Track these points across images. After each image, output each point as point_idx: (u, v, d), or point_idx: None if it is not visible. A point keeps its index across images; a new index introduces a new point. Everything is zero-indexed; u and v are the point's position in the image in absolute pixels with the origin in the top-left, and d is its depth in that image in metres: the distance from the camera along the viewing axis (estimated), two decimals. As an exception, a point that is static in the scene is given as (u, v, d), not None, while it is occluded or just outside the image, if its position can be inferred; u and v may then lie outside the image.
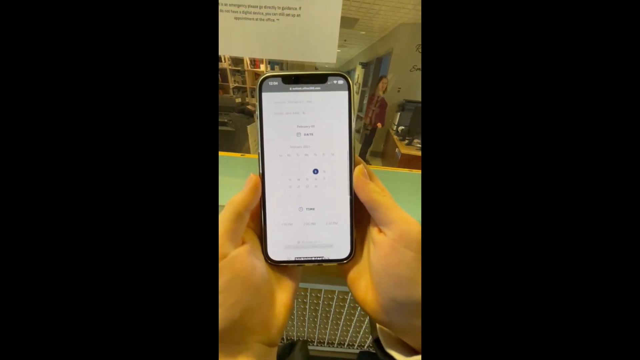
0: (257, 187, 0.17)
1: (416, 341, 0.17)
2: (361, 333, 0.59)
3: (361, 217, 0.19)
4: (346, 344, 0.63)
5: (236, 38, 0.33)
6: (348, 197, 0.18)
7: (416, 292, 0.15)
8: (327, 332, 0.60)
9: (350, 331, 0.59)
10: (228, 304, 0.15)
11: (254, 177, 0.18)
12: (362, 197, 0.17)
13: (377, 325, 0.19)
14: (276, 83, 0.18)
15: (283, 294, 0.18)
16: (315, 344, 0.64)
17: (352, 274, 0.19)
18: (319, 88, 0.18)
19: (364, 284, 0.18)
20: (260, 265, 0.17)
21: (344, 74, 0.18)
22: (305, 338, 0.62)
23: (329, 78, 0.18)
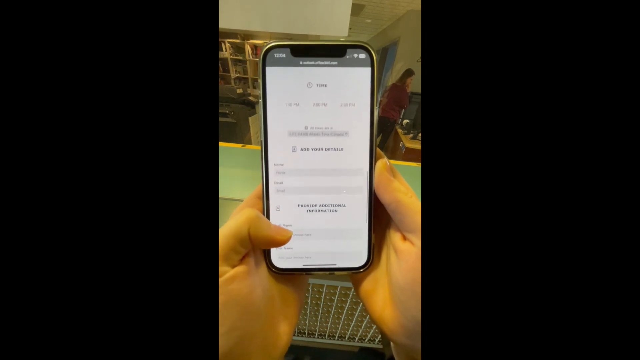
0: (279, 243, 0.15)
1: None
2: (362, 327, 0.60)
3: (379, 218, 0.16)
4: (347, 337, 0.63)
5: (233, 7, 0.30)
6: (367, 191, 0.16)
7: None
8: (329, 325, 0.60)
9: (352, 325, 0.59)
10: (223, 331, 0.13)
11: (287, 235, 0.15)
12: (385, 197, 0.15)
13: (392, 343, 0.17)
14: (283, 55, 0.15)
15: (287, 309, 0.16)
16: (316, 336, 0.64)
17: (367, 285, 0.16)
18: (336, 63, 0.15)
19: (380, 299, 0.16)
20: (261, 282, 0.15)
21: (367, 45, 0.15)
22: (306, 330, 0.63)
23: (349, 50, 0.15)
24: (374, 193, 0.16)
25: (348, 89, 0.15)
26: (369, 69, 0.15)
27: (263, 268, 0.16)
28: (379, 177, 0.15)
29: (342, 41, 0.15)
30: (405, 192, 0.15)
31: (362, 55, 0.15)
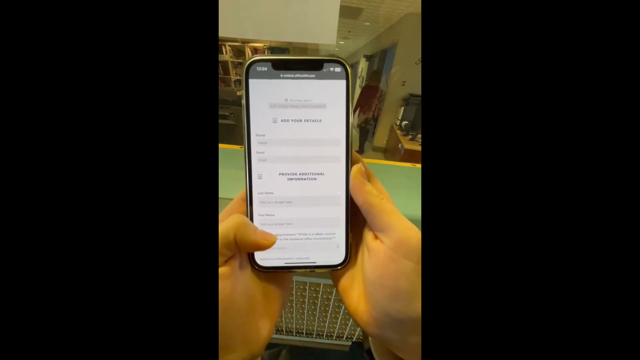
0: (262, 248, 0.16)
1: (412, 358, 0.16)
2: (359, 329, 0.60)
3: (357, 220, 0.17)
4: (345, 337, 0.64)
5: (228, 17, 0.32)
6: (344, 195, 0.17)
7: (414, 307, 0.14)
8: (326, 325, 0.61)
9: (349, 324, 0.59)
10: None
11: (272, 241, 0.16)
12: (358, 199, 0.16)
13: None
14: (265, 69, 0.16)
15: (269, 305, 0.17)
16: (314, 336, 0.65)
17: (344, 282, 0.18)
18: (314, 76, 0.16)
19: (356, 294, 0.17)
20: (243, 281, 0.16)
21: (342, 60, 0.16)
22: (304, 330, 0.63)
23: (325, 64, 0.16)
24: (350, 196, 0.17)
25: (324, 98, 0.16)
26: (344, 81, 0.16)
27: (244, 268, 0.17)
28: (354, 181, 0.16)
29: (319, 56, 0.16)
30: (377, 194, 0.16)
31: (338, 69, 0.16)
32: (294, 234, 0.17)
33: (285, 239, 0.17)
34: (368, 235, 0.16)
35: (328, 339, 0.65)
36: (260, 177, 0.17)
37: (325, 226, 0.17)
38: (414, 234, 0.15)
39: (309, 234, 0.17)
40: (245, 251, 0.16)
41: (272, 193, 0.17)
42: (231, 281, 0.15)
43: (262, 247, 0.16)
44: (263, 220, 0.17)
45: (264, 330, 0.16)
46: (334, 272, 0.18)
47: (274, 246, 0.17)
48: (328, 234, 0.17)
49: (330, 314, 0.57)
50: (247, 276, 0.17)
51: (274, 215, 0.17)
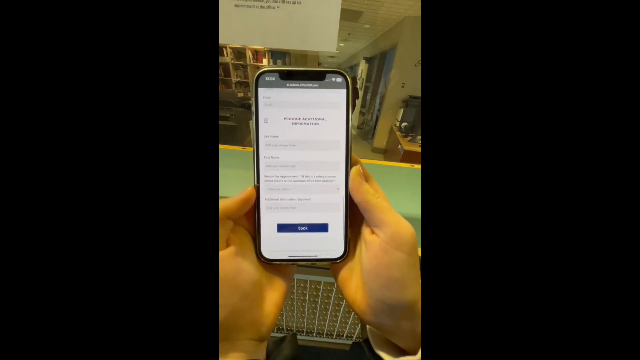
0: (248, 201, 0.17)
1: (405, 343, 0.17)
2: (359, 326, 0.60)
3: (355, 217, 0.19)
4: (345, 335, 0.64)
5: (235, 26, 0.34)
6: (343, 195, 0.18)
7: (406, 294, 0.16)
8: (326, 323, 0.61)
9: (349, 323, 0.60)
10: None
11: (248, 190, 0.17)
12: (356, 198, 0.17)
13: (367, 325, 0.19)
14: (273, 79, 0.18)
15: (274, 293, 0.18)
16: (314, 334, 0.65)
17: (343, 274, 0.19)
18: (317, 85, 0.18)
19: (354, 284, 0.18)
20: (248, 266, 0.17)
21: (343, 72, 0.18)
22: (305, 329, 0.63)
23: (328, 75, 0.18)
24: (349, 194, 0.18)
25: (326, 106, 0.18)
26: (344, 90, 0.18)
27: (249, 258, 0.18)
28: (352, 181, 0.18)
29: (322, 68, 0.18)
30: (373, 193, 0.17)
31: (339, 79, 0.18)
32: (297, 176, 0.19)
33: (289, 181, 0.19)
34: (365, 231, 0.18)
35: (328, 337, 0.65)
36: (266, 121, 0.18)
37: (326, 169, 0.19)
38: (406, 229, 0.16)
39: (311, 176, 0.19)
40: (239, 212, 0.17)
41: (277, 136, 0.18)
42: (234, 265, 0.16)
43: (247, 199, 0.17)
44: (269, 162, 0.18)
45: (270, 314, 0.18)
46: (334, 265, 0.19)
47: (282, 205, 0.18)
48: (329, 177, 0.19)
49: (331, 312, 0.57)
50: (252, 264, 0.18)
51: (278, 157, 0.18)
